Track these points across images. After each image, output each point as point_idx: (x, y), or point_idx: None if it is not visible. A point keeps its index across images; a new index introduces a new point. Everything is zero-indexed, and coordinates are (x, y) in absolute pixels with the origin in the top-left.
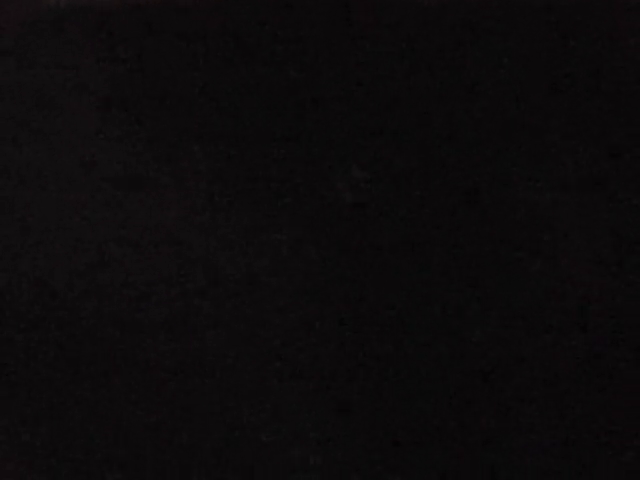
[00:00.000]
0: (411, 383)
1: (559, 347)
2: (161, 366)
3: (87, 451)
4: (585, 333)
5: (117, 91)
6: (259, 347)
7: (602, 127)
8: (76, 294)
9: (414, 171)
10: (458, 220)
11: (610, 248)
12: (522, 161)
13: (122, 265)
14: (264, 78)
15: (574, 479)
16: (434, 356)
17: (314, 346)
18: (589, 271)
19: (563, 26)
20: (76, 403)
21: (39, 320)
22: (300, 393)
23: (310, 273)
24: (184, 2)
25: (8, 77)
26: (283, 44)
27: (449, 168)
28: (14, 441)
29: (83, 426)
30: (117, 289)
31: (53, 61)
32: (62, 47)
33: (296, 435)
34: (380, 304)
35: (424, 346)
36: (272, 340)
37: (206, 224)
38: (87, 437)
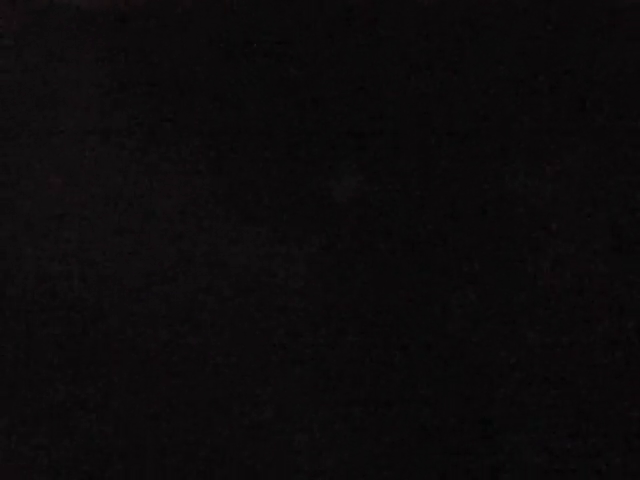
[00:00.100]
0: (412, 381)
1: (560, 343)
2: (162, 359)
3: (87, 445)
4: (585, 328)
5: (117, 87)
6: (261, 342)
7: (601, 123)
8: (77, 287)
9: (410, 170)
10: (456, 219)
11: (609, 244)
12: (521, 158)
13: (123, 258)
14: (263, 77)
15: (575, 478)
16: (434, 354)
17: (316, 342)
18: (588, 267)
19: (562, 22)
20: (76, 396)
21: (40, 312)
22: (302, 389)
23: (311, 269)
24: (185, 1)
25: (8, 75)
26: (283, 46)
27: (446, 166)
28: (14, 434)
29: (83, 420)
30: (118, 281)
31: (53, 58)
32: (62, 45)
33: (299, 432)
34: (380, 303)
35: (424, 344)
36: (274, 335)
37: (207, 218)
38: (87, 430)
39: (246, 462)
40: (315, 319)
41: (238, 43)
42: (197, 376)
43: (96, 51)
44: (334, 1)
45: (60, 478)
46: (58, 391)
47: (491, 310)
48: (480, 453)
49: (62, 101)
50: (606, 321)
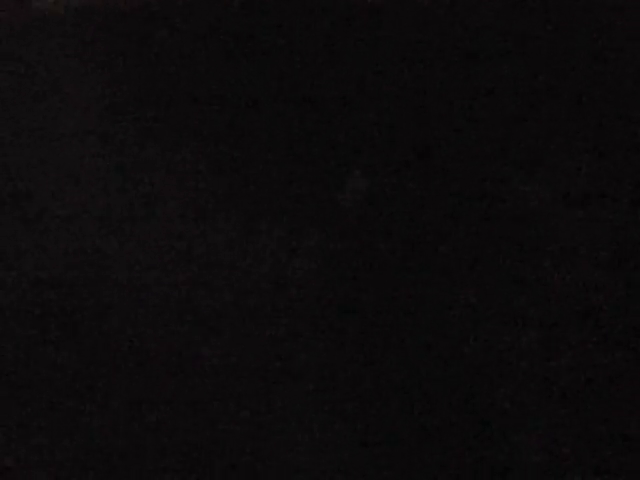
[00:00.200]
0: (412, 381)
1: (560, 344)
2: (162, 358)
3: (87, 443)
4: (586, 329)
5: (117, 90)
6: (261, 342)
7: (605, 139)
8: (77, 287)
9: (416, 178)
10: (460, 227)
11: (611, 254)
12: (523, 162)
13: (124, 258)
14: (269, 77)
15: (575, 478)
16: (434, 354)
17: (316, 342)
18: (588, 268)
19: (562, 24)
20: (77, 397)
21: (40, 312)
22: (302, 389)
23: (313, 269)
24: (184, 4)
25: (8, 76)
26: (289, 48)
27: (450, 169)
28: (15, 432)
29: (84, 420)
30: (118, 282)
31: (53, 61)
32: (61, 47)
33: (299, 432)
34: (380, 303)
35: (427, 347)
36: (274, 335)
37: (208, 220)
38: (88, 430)
39: (246, 462)
40: (316, 319)
41: (239, 48)
42: (198, 376)
43: (95, 54)
44: (337, 8)
45: (60, 478)
46: (59, 392)
47: (491, 311)
48: (480, 453)
49: (62, 101)
50: (606, 321)
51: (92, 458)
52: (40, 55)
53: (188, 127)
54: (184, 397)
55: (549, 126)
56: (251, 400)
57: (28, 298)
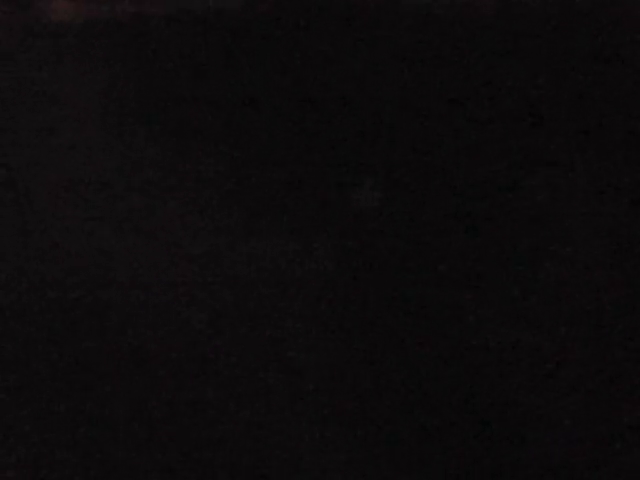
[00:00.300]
0: (412, 381)
1: (560, 344)
2: (162, 358)
3: (87, 442)
4: (589, 333)
5: (117, 92)
6: (259, 343)
7: (610, 137)
8: (77, 287)
9: (426, 179)
10: (461, 227)
11: (612, 254)
12: (533, 170)
13: (125, 259)
14: (274, 86)
15: (575, 478)
16: (437, 356)
17: (316, 342)
18: (590, 268)
19: (562, 25)
20: (77, 395)
21: (40, 312)
22: (300, 391)
23: (311, 270)
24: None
25: (8, 80)
26: (301, 51)
27: (460, 177)
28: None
29: (84, 418)
30: (119, 282)
31: (55, 66)
32: (60, 51)
33: (300, 431)
34: (381, 304)
35: (427, 347)
36: (273, 337)
37: (207, 221)
38: (88, 429)
39: (246, 462)
40: (316, 319)
41: (247, 54)
42: (198, 376)
43: (96, 61)
44: (341, 13)
45: (60, 478)
46: (59, 392)
47: (491, 311)
48: (480, 453)
49: (62, 104)
50: (608, 321)
51: (92, 458)
52: (39, 61)
53: (190, 128)
54: (184, 397)
55: (550, 126)
56: (251, 400)
57: (29, 298)
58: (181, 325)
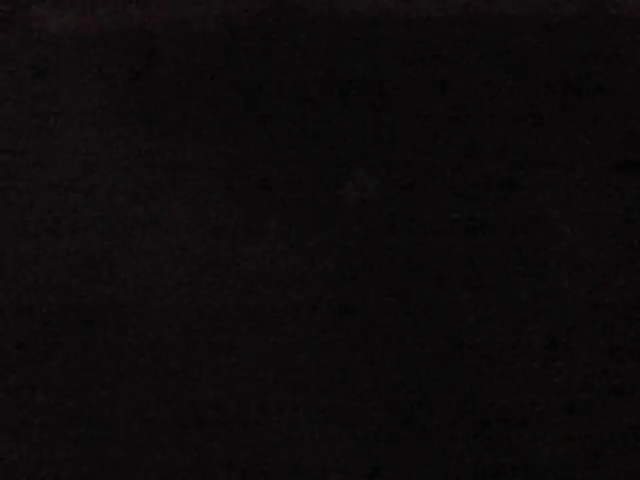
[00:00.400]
0: (412, 381)
1: (561, 345)
2: (161, 358)
3: (87, 442)
4: (589, 333)
5: (118, 99)
6: (260, 343)
7: (610, 137)
8: (81, 290)
9: (425, 175)
10: (462, 227)
11: (614, 254)
12: (534, 168)
13: (126, 259)
14: (271, 81)
15: (575, 477)
16: (437, 356)
17: (315, 343)
18: (595, 270)
19: (562, 27)
20: (77, 394)
21: (41, 313)
22: (300, 391)
23: (311, 270)
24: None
25: (7, 86)
26: (293, 49)
27: (461, 174)
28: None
29: (84, 418)
30: (120, 283)
31: (48, 74)
32: (55, 60)
33: (300, 433)
34: (383, 306)
35: (427, 347)
36: (273, 337)
37: (212, 223)
38: (88, 429)
39: (246, 462)
40: (316, 319)
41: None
42: (198, 376)
43: (94, 70)
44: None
45: (61, 477)
46: (60, 392)
47: (491, 311)
48: (480, 453)
49: (64, 111)
50: (608, 321)
51: (93, 457)
52: (34, 70)
53: (189, 129)
54: (185, 397)
55: (550, 127)
56: (251, 400)
57: (29, 299)
58: (181, 324)
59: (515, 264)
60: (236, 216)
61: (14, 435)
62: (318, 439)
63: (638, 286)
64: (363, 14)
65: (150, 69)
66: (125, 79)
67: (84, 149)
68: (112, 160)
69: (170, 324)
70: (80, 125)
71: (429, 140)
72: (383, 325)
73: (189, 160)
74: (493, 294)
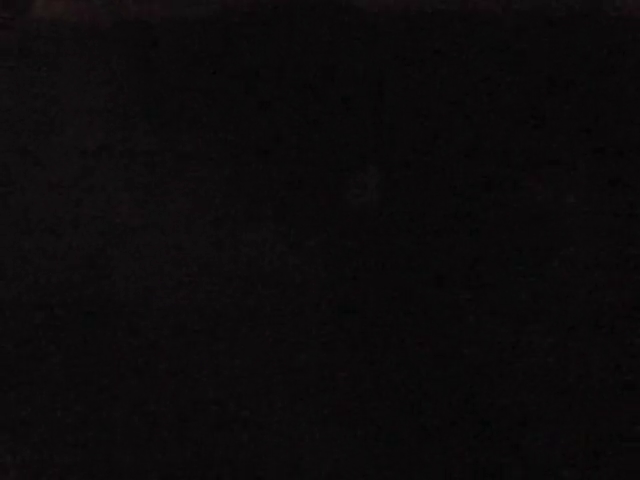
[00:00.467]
0: (412, 381)
1: (561, 345)
2: (161, 358)
3: (87, 442)
4: (587, 330)
5: (119, 97)
6: (260, 343)
7: (613, 135)
8: (80, 290)
9: (425, 175)
10: (463, 227)
11: (617, 249)
12: (535, 167)
13: (126, 260)
14: (274, 81)
15: (575, 477)
16: (437, 356)
17: (315, 343)
18: (598, 273)
19: (562, 29)
20: (77, 395)
21: (41, 313)
22: (300, 391)
23: (310, 270)
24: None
25: (9, 87)
26: (294, 49)
27: (461, 173)
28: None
29: (84, 417)
30: (120, 284)
31: (51, 73)
32: (59, 59)
33: (299, 430)
34: (383, 306)
35: (427, 347)
36: (273, 338)
37: (212, 225)
38: (88, 428)
39: (246, 462)
40: (316, 319)
41: (245, 54)
42: (198, 376)
43: (93, 63)
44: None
45: (62, 477)
46: (59, 392)
47: (492, 311)
48: (480, 453)
49: (64, 109)
50: (608, 321)
51: (93, 457)
52: (39, 70)
53: (190, 129)
54: (185, 397)
55: (551, 126)
56: (251, 400)
57: (30, 298)
58: (181, 323)
59: (515, 264)
60: (236, 207)
61: (13, 435)
62: (318, 439)
63: (638, 286)
64: (363, 9)
65: (149, 60)
66: (124, 70)
67: (83, 142)
68: (112, 156)
69: (170, 323)
70: (81, 122)
71: (429, 140)
72: (383, 325)
73: (189, 151)
74: (493, 294)
